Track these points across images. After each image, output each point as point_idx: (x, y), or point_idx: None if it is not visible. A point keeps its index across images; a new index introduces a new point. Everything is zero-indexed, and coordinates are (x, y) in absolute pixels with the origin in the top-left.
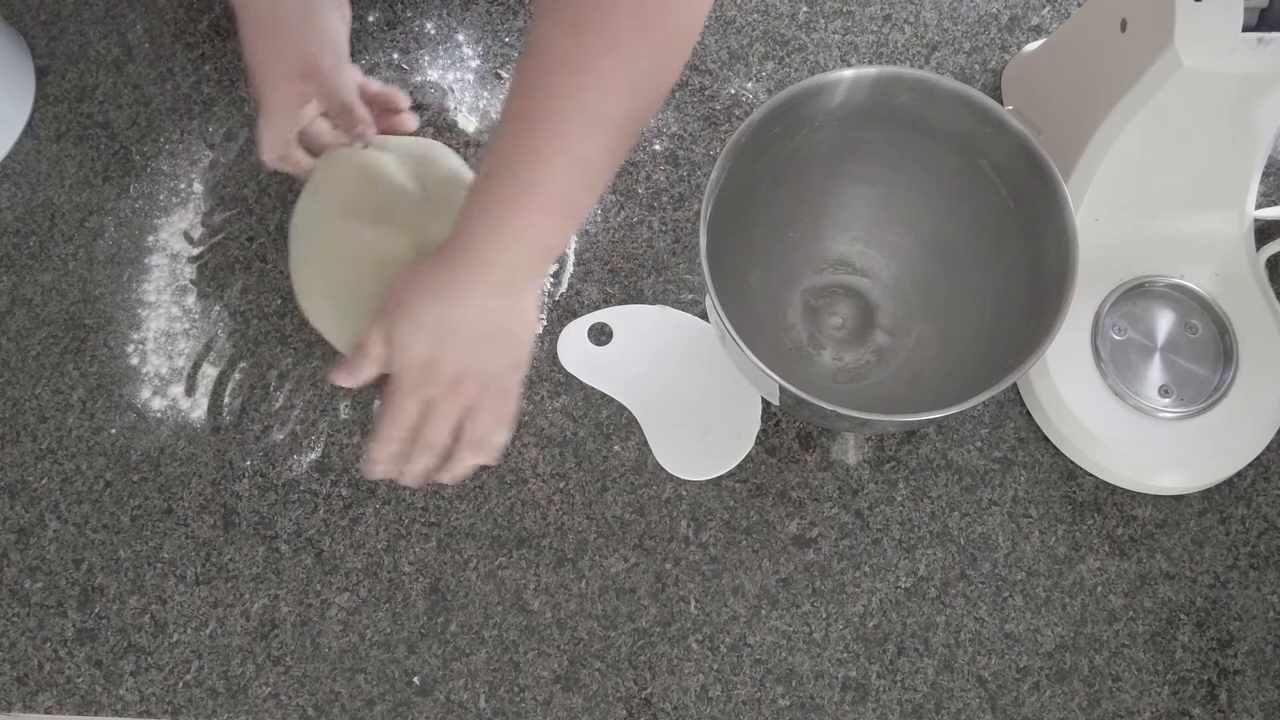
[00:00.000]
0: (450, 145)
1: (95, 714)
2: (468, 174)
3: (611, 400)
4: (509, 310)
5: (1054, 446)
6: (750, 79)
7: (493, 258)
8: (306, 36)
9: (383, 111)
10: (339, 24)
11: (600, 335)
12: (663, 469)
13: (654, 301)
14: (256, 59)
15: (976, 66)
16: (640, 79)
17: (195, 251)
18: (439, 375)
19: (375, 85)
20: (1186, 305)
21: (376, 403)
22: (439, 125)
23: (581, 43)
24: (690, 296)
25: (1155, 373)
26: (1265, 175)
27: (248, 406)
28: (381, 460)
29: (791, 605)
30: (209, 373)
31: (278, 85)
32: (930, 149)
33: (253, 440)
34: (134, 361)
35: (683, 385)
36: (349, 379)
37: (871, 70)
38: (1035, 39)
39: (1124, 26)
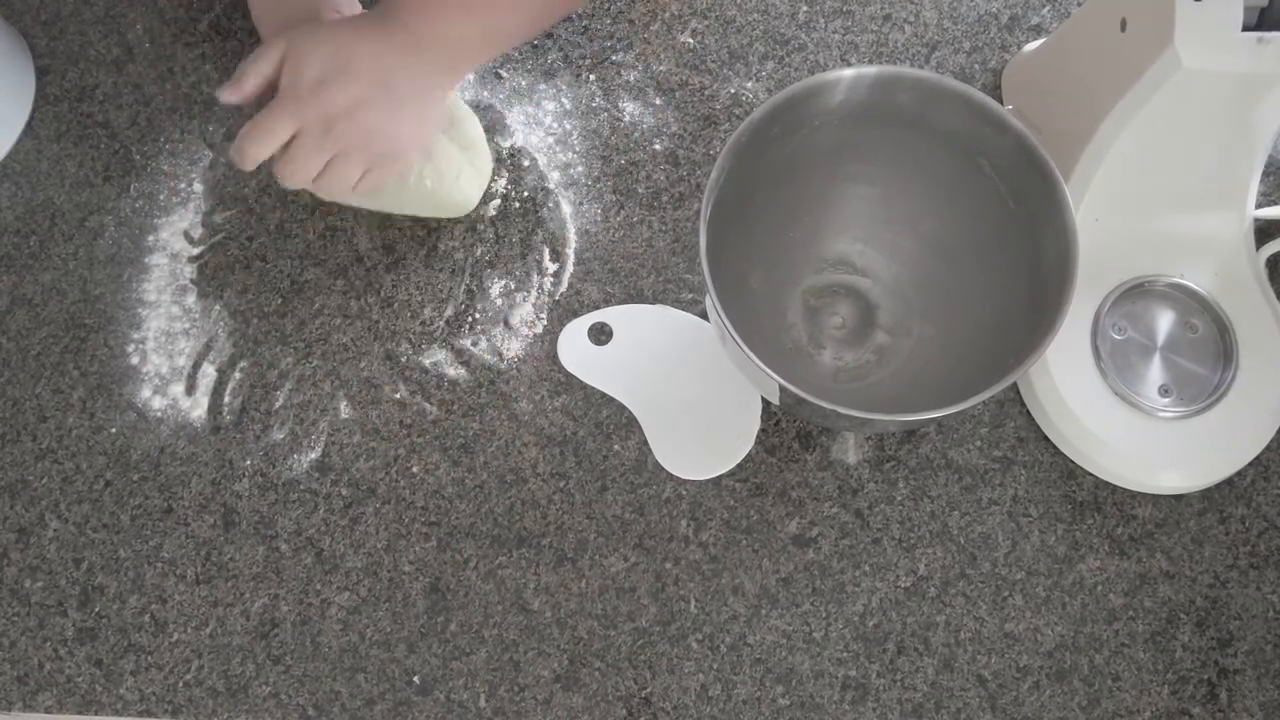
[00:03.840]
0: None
1: (95, 713)
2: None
3: (611, 400)
4: (418, 82)
5: (1054, 446)
6: (750, 78)
7: (422, 15)
8: None
9: None
10: None
11: (600, 335)
12: (663, 468)
13: (654, 301)
14: (262, 11)
15: (976, 66)
16: None
17: (195, 251)
18: (319, 103)
19: None
20: (1186, 305)
21: (374, 409)
22: None
23: None
24: (690, 296)
25: (1155, 372)
26: (1265, 175)
27: (248, 406)
28: (244, 158)
29: (791, 605)
30: (209, 372)
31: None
32: (930, 149)
33: (253, 440)
34: (134, 361)
35: (683, 385)
36: (233, 89)
37: (871, 70)
38: (1035, 39)
39: (1124, 26)
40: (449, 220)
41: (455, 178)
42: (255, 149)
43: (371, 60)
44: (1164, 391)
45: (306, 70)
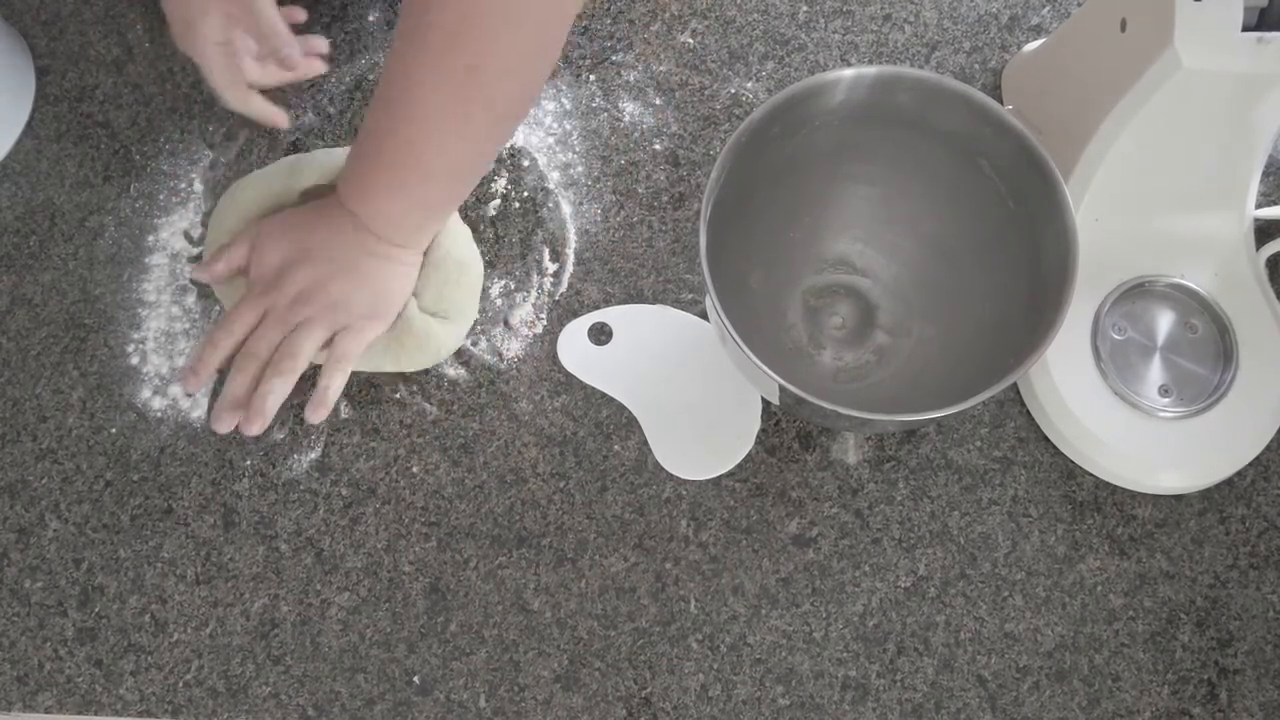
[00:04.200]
0: None
1: (95, 714)
2: None
3: (611, 400)
4: (373, 258)
5: (1054, 446)
6: (750, 79)
7: (363, 203)
8: None
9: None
10: None
11: (600, 335)
12: (663, 468)
13: (654, 301)
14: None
15: (976, 66)
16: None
17: (195, 251)
18: (285, 287)
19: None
20: (1186, 305)
21: (374, 409)
22: None
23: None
24: (690, 296)
25: (1155, 373)
26: (1265, 175)
27: None
28: (201, 370)
29: (791, 605)
30: None
31: (206, 7)
32: (930, 149)
33: (253, 440)
34: (134, 361)
35: (683, 385)
36: (202, 270)
37: (871, 70)
38: (1035, 39)
39: (1124, 26)
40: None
41: (426, 337)
42: (224, 337)
43: (326, 246)
44: (1164, 391)
45: (269, 260)
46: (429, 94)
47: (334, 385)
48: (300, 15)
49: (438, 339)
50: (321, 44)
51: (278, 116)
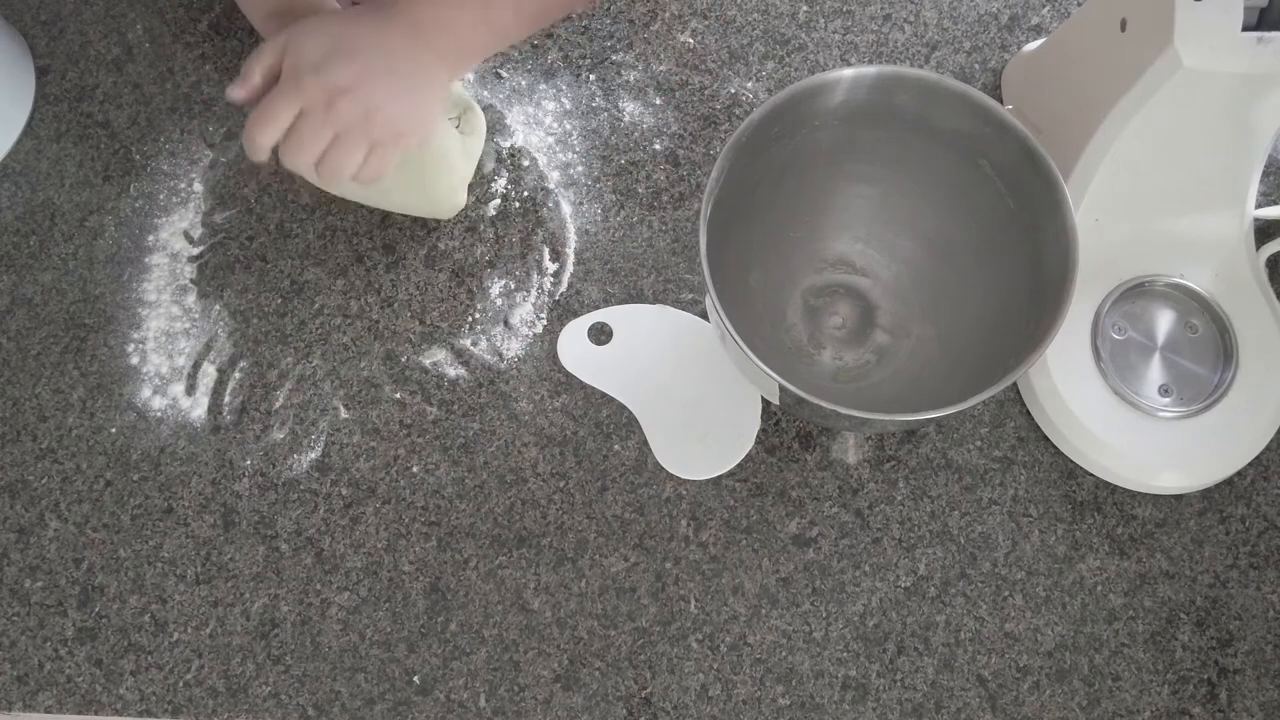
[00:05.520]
0: None
1: (95, 713)
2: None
3: (611, 400)
4: (419, 68)
5: (1054, 446)
6: (750, 78)
7: (405, 10)
8: None
9: None
10: None
11: (600, 335)
12: (663, 468)
13: (654, 301)
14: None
15: (976, 66)
16: None
17: (195, 251)
18: (321, 82)
19: None
20: (1186, 305)
21: (374, 409)
22: None
23: None
24: (690, 296)
25: (1155, 372)
26: (1265, 175)
27: (248, 406)
28: (255, 153)
29: (791, 604)
30: (209, 372)
31: (264, 25)
32: (930, 149)
33: (253, 440)
34: (134, 361)
35: (683, 385)
36: (239, 86)
37: (871, 70)
38: (1035, 38)
39: (1124, 26)
40: (449, 220)
41: (451, 170)
42: (263, 135)
43: (371, 42)
44: (1164, 391)
45: (307, 54)
46: None
47: (352, 190)
48: None
49: (459, 176)
50: None
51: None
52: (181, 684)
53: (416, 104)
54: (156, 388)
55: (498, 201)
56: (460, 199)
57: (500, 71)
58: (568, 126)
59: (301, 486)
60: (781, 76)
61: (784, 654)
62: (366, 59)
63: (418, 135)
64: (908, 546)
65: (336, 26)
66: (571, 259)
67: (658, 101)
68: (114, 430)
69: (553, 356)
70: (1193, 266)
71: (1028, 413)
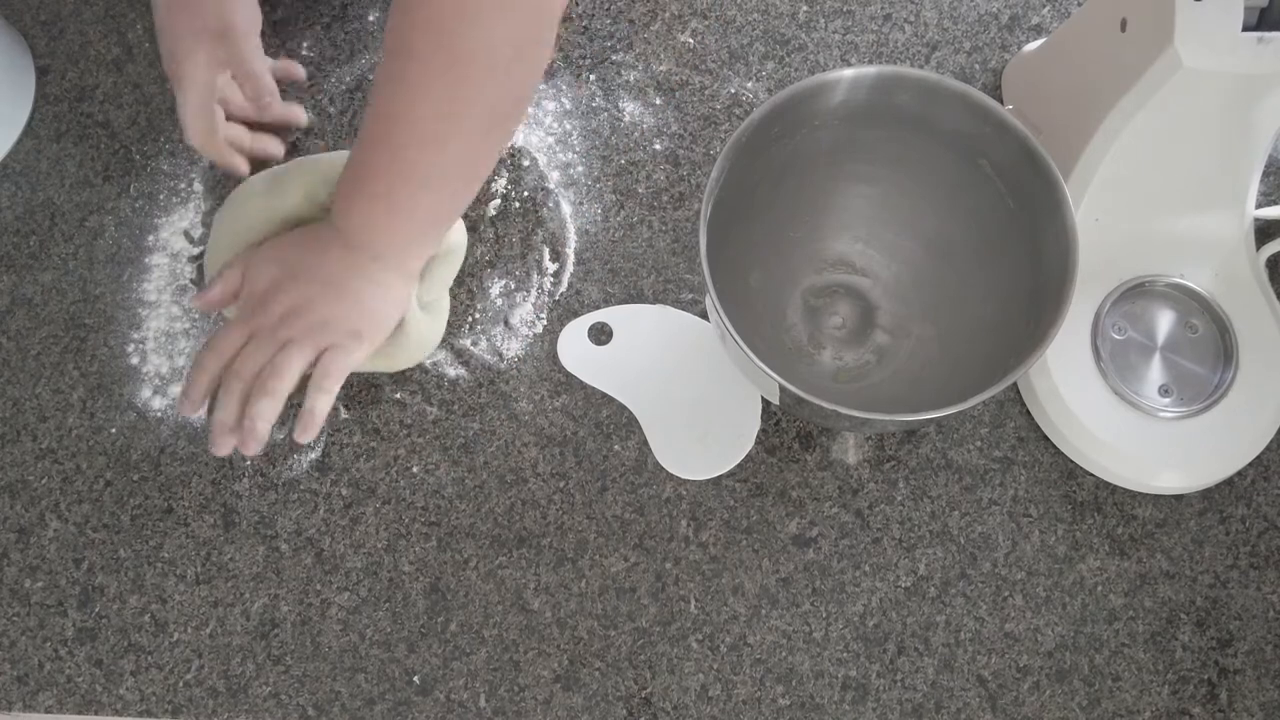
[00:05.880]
0: None
1: (95, 713)
2: None
3: (611, 400)
4: (360, 278)
5: (1054, 446)
6: (750, 78)
7: (349, 215)
8: None
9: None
10: None
11: (600, 335)
12: (663, 468)
13: (654, 301)
14: (171, 19)
15: (976, 66)
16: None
17: (195, 251)
18: (271, 307)
19: (271, 61)
20: (1186, 305)
21: (374, 409)
22: None
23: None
24: (690, 296)
25: (1155, 372)
26: (1265, 175)
27: None
28: (193, 394)
29: (791, 605)
30: None
31: (194, 48)
32: (930, 149)
33: None
34: (134, 361)
35: (683, 385)
36: (199, 299)
37: (871, 70)
38: (1035, 38)
39: (1124, 26)
40: None
41: (419, 343)
42: (211, 359)
43: (314, 266)
44: (1164, 391)
45: (259, 282)
46: (417, 96)
47: (319, 406)
48: (299, 73)
49: (419, 333)
50: (298, 71)
51: (240, 164)
52: (181, 684)
53: (366, 311)
54: (156, 388)
55: (498, 201)
56: (433, 343)
57: None
58: (567, 126)
59: (301, 486)
60: (781, 76)
61: (784, 654)
62: (311, 281)
63: (380, 333)
64: (908, 547)
65: (284, 256)
66: (571, 259)
67: (658, 101)
68: (114, 430)
69: (553, 356)
70: (1193, 266)
71: (1028, 413)
